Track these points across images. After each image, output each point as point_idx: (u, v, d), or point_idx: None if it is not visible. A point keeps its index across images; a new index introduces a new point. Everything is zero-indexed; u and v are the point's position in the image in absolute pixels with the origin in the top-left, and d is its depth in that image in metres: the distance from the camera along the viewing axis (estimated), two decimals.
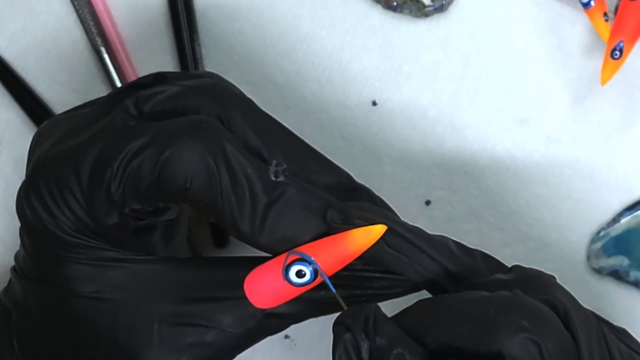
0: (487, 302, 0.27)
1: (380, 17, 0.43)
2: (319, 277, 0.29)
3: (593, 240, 0.42)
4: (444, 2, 0.42)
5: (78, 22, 0.43)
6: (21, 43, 0.43)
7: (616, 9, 0.40)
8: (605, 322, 0.30)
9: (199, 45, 0.43)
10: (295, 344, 0.42)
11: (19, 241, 0.33)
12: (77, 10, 0.43)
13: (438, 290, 0.30)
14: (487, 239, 0.42)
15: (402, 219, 0.44)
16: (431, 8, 0.42)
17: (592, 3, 0.39)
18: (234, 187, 0.29)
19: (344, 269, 0.29)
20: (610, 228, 0.41)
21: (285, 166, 0.30)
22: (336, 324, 0.28)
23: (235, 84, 0.34)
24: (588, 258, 0.42)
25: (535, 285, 0.28)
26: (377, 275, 0.31)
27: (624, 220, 0.41)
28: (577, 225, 0.42)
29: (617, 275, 0.41)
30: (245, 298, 0.30)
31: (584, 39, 0.42)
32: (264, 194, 0.29)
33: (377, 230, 0.29)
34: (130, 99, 0.31)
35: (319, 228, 0.30)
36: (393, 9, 0.42)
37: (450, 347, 0.27)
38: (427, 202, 0.43)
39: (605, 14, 0.39)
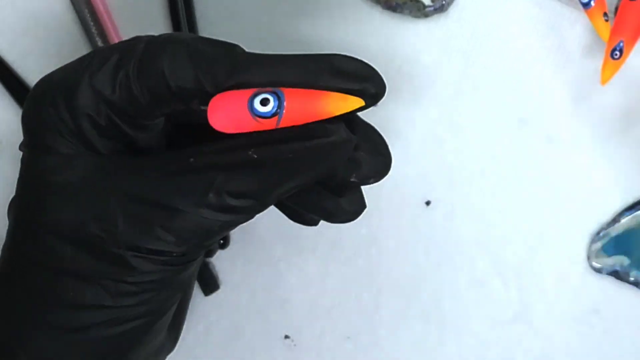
0: None
1: (380, 18, 0.43)
2: (279, 123, 0.27)
3: (593, 240, 0.42)
4: (444, 2, 0.42)
5: (78, 22, 0.43)
6: (21, 44, 0.43)
7: (616, 9, 0.40)
8: None
9: None
10: (295, 344, 0.42)
11: None
12: (77, 11, 0.43)
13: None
14: (488, 239, 0.42)
15: (402, 219, 0.44)
16: (431, 8, 0.42)
17: (592, 3, 0.39)
18: (203, 52, 0.29)
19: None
20: (610, 228, 0.41)
21: None
22: None
23: None
24: (588, 258, 0.42)
25: None
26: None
27: (624, 220, 0.41)
28: (577, 225, 0.42)
29: (617, 275, 0.41)
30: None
31: (584, 39, 0.42)
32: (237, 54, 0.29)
33: (354, 102, 0.28)
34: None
35: (299, 75, 0.29)
36: (393, 9, 0.42)
37: None
38: (427, 203, 0.43)
39: (605, 14, 0.39)
